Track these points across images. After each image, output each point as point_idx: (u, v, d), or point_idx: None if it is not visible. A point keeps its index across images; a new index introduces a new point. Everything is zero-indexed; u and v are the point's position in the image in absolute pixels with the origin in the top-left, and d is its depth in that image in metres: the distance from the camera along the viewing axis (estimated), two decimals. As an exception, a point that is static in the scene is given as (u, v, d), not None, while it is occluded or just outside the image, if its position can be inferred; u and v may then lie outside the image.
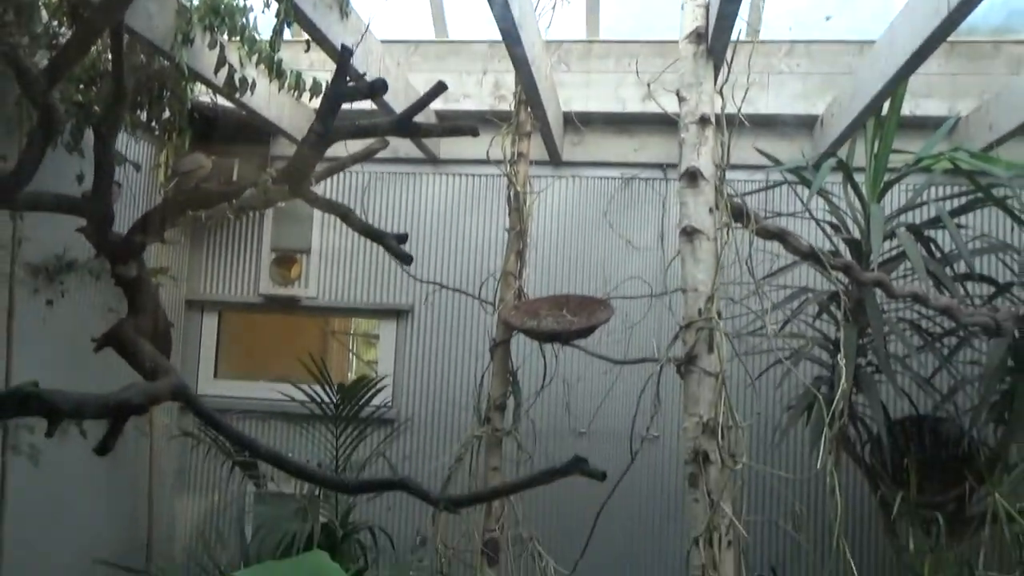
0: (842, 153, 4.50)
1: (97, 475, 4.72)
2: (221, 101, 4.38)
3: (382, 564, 4.29)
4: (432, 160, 5.35)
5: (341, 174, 5.37)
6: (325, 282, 5.42)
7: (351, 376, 4.66)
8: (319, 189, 4.01)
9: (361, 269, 5.44)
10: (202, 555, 4.39)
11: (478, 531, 4.19)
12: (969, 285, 4.64)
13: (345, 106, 3.04)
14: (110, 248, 3.10)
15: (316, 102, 3.74)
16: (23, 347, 3.93)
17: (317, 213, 5.37)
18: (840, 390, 3.60)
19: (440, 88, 2.90)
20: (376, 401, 4.60)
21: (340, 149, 3.94)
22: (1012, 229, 4.75)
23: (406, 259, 3.33)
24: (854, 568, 3.50)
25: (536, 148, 4.69)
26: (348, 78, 2.82)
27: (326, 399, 4.32)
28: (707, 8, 3.59)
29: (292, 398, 4.45)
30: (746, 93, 3.84)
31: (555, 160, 5.14)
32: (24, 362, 3.90)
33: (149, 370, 3.05)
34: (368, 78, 3.55)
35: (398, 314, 5.33)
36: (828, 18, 5.01)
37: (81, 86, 3.76)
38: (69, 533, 4.46)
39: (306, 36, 3.75)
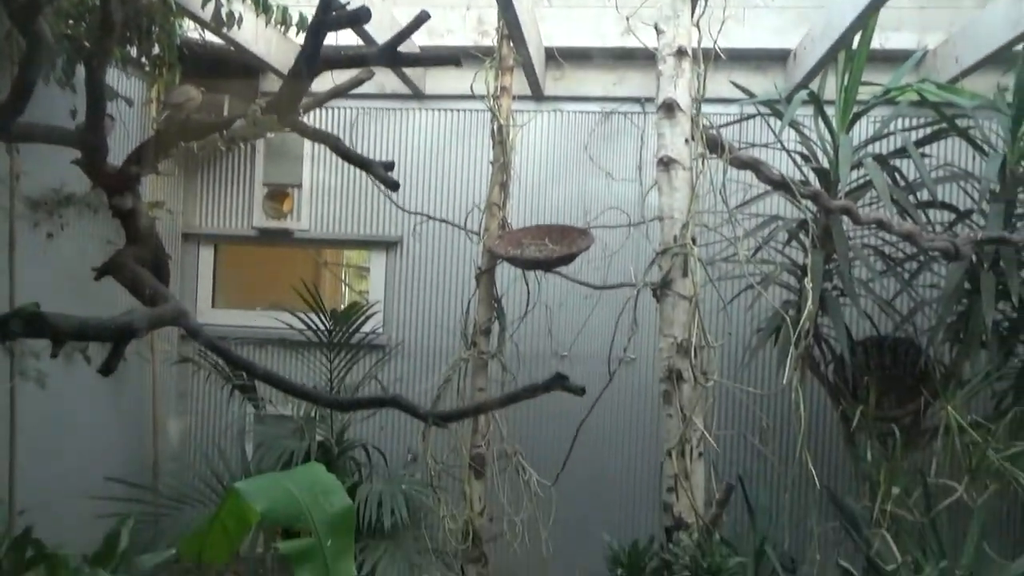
0: (813, 86, 4.50)
1: (103, 400, 4.80)
2: (210, 37, 4.32)
3: (375, 479, 4.41)
4: (418, 96, 5.31)
5: (328, 110, 5.35)
6: (317, 215, 5.43)
7: (343, 305, 4.69)
8: (308, 122, 3.99)
9: (351, 202, 5.45)
10: (206, 471, 4.50)
11: (465, 447, 4.32)
12: (931, 212, 4.72)
13: (332, 42, 3.02)
14: (105, 179, 3.10)
15: (303, 37, 3.70)
16: (25, 279, 3.96)
17: (308, 148, 5.35)
18: (806, 312, 3.70)
19: (423, 17, 2.88)
20: (367, 327, 4.67)
21: (327, 82, 3.92)
22: (974, 158, 4.80)
23: (393, 185, 3.36)
24: (815, 477, 3.65)
25: (518, 83, 4.66)
26: (331, 8, 2.79)
27: (320, 326, 4.38)
28: (684, -59, 3.55)
29: (290, 325, 4.49)
30: (722, 26, 3.83)
31: (537, 95, 5.11)
32: (26, 294, 3.92)
33: (149, 297, 3.09)
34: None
35: (387, 245, 5.36)
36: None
37: (71, 20, 3.70)
38: (79, 454, 4.55)
39: (291, -30, 3.69)
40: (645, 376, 5.04)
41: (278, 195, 5.40)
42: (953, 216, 4.64)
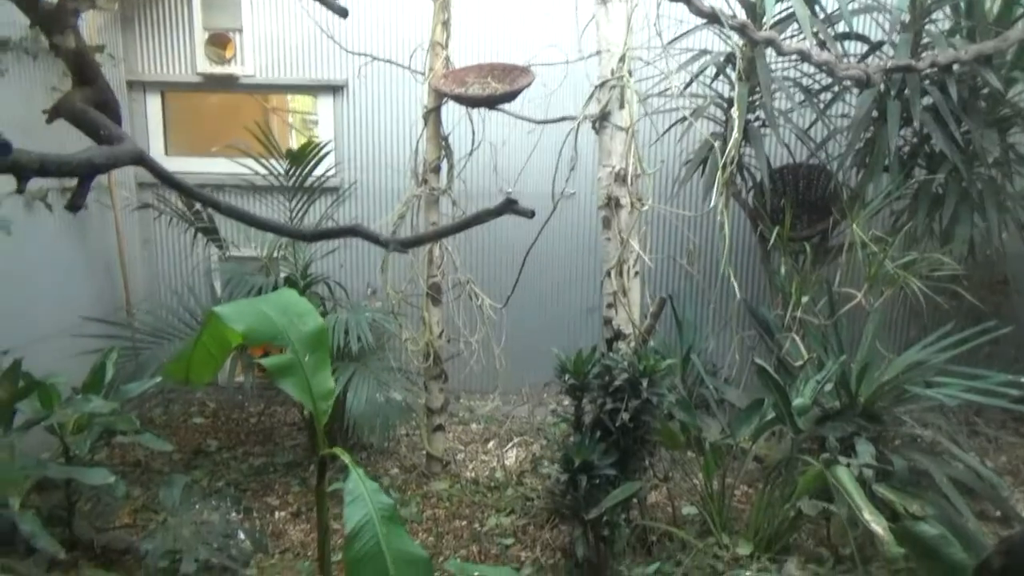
0: (745, -83, 4.28)
1: (69, 247, 4.62)
2: None
3: (339, 310, 4.43)
4: (354, -67, 4.88)
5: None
6: (261, 60, 5.09)
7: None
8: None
9: (296, 47, 5.11)
10: (179, 308, 4.44)
11: (423, 277, 4.34)
12: (847, 44, 4.68)
13: None
14: (41, 16, 2.80)
15: None
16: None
17: (246, -9, 4.93)
18: (732, 140, 3.71)
19: None
20: (320, 170, 4.50)
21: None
22: (889, -9, 4.71)
23: (342, 12, 3.13)
24: (736, 289, 3.80)
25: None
26: None
27: (277, 168, 4.20)
28: None
29: (248, 168, 4.28)
30: None
31: (475, -70, 4.75)
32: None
33: (104, 138, 2.89)
34: None
35: (334, 89, 5.11)
36: None
37: None
38: (50, 298, 4.43)
39: None
40: (584, 207, 5.08)
41: (219, 39, 5.02)
42: (866, 47, 4.62)
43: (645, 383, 3.38)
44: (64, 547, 2.94)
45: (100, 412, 3.03)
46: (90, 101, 3.01)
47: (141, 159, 2.80)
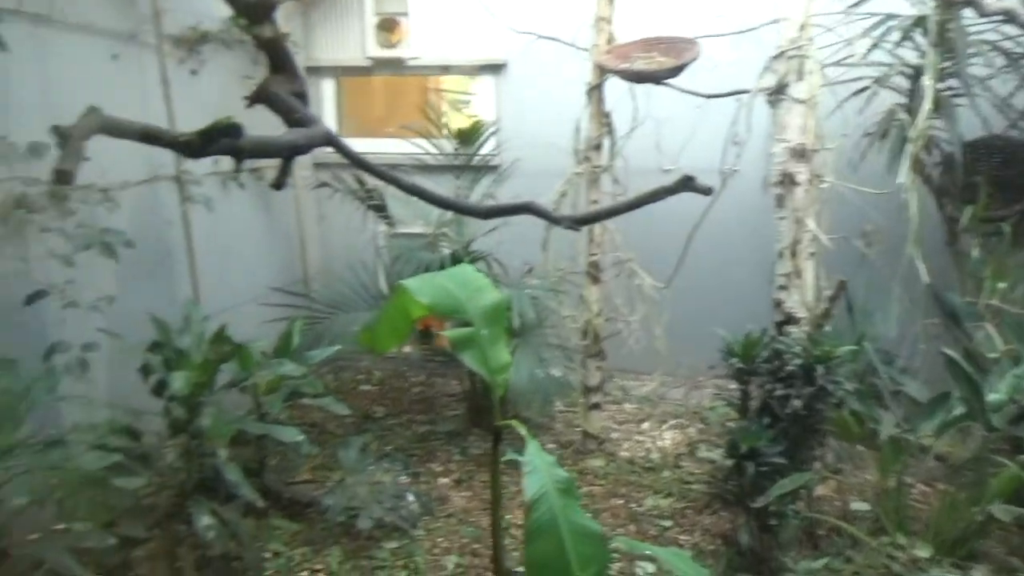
0: None
1: (257, 223, 5.02)
2: None
3: (500, 286, 4.52)
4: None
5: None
6: (427, 42, 5.26)
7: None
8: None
9: (457, 28, 5.24)
10: (353, 282, 4.72)
11: (583, 255, 4.35)
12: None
13: None
14: (247, 8, 3.04)
15: None
16: (179, 112, 4.04)
17: (413, -25, 5.10)
18: (924, 110, 3.43)
19: None
20: (485, 149, 4.59)
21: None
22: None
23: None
24: (923, 273, 3.53)
25: None
26: None
27: (447, 147, 4.31)
28: None
29: (420, 148, 4.43)
30: None
31: (640, -99, 4.63)
32: (182, 126, 4.02)
33: (297, 120, 3.12)
34: None
35: (495, 68, 5.19)
36: None
37: None
38: (243, 268, 4.84)
39: None
40: (748, 184, 4.87)
41: (388, 24, 5.23)
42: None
43: (820, 370, 3.23)
44: (257, 497, 3.22)
45: (292, 375, 3.29)
46: (284, 87, 3.24)
47: (331, 140, 3.00)
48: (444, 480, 4.25)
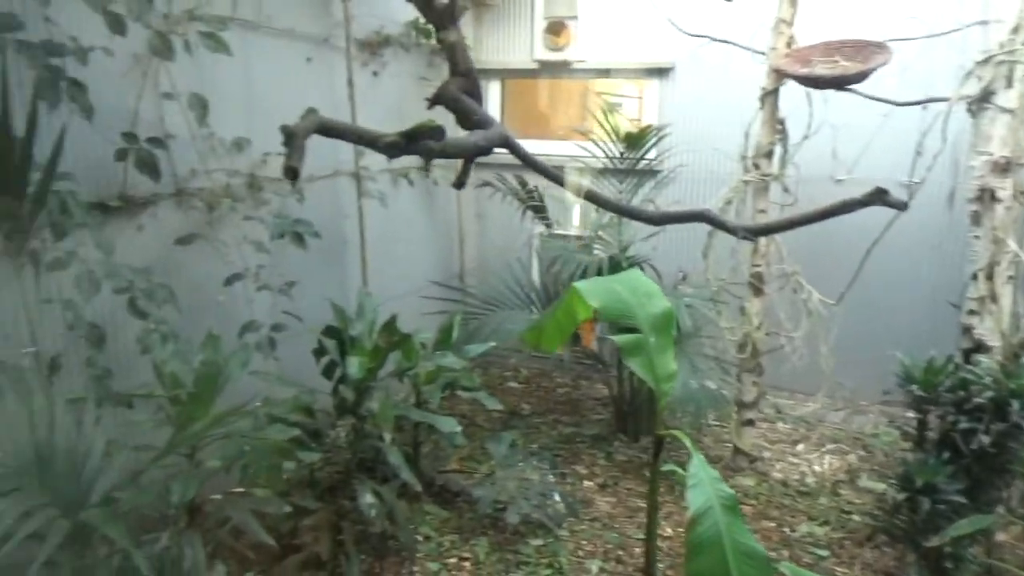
0: None
1: (421, 218, 5.25)
2: None
3: (655, 292, 4.46)
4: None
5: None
6: (592, 45, 5.27)
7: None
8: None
9: (626, 31, 5.21)
10: (508, 279, 4.82)
11: (745, 266, 4.21)
12: None
13: None
14: (434, 14, 3.18)
15: None
16: (361, 110, 4.29)
17: (583, -23, 5.13)
18: None
19: None
20: (651, 154, 4.54)
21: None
22: None
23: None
24: None
25: None
26: None
27: (612, 151, 4.31)
28: None
29: (587, 152, 4.46)
30: None
31: None
32: (362, 122, 4.26)
33: (475, 122, 3.23)
34: None
35: (661, 72, 5.13)
36: None
37: None
38: (407, 260, 5.07)
39: None
40: (932, 198, 4.53)
41: (556, 27, 5.29)
42: None
43: (1016, 405, 2.95)
44: (412, 482, 3.37)
45: (452, 368, 3.41)
46: (462, 89, 3.36)
47: (507, 142, 3.08)
48: (589, 483, 4.25)
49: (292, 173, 1.87)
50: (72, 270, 2.49)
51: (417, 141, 2.20)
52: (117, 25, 2.51)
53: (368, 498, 3.12)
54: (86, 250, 2.54)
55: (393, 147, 2.17)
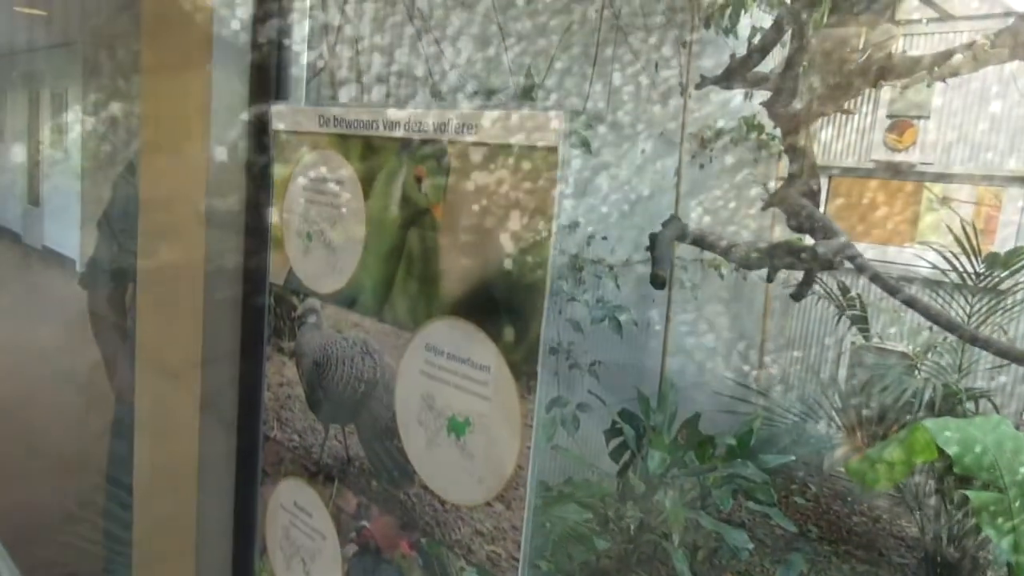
0: None
1: (725, 311, 5.15)
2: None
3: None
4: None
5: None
6: (942, 147, 4.84)
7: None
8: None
9: (983, 134, 4.71)
10: (810, 385, 4.51)
11: None
12: None
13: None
14: (786, 121, 3.14)
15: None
16: (686, 199, 4.36)
17: (942, 76, 4.75)
18: None
19: None
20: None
21: None
22: None
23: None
24: None
25: None
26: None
27: (968, 267, 3.81)
28: None
29: (933, 266, 4.06)
30: None
31: None
32: (685, 211, 4.33)
33: (816, 230, 3.09)
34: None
35: (1025, 181, 4.54)
36: None
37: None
38: (705, 351, 4.98)
39: None
40: None
41: (901, 126, 4.95)
42: None
43: None
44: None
45: (752, 479, 3.24)
46: (802, 193, 3.25)
47: (851, 256, 2.90)
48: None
49: (658, 281, 1.94)
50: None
51: (780, 257, 2.16)
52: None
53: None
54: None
55: (756, 263, 2.16)
